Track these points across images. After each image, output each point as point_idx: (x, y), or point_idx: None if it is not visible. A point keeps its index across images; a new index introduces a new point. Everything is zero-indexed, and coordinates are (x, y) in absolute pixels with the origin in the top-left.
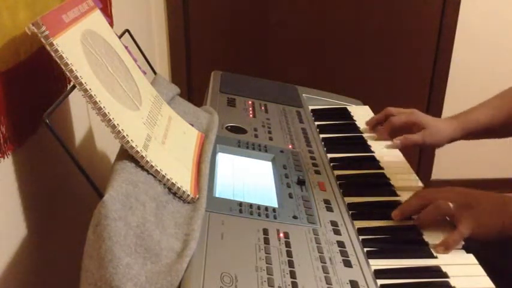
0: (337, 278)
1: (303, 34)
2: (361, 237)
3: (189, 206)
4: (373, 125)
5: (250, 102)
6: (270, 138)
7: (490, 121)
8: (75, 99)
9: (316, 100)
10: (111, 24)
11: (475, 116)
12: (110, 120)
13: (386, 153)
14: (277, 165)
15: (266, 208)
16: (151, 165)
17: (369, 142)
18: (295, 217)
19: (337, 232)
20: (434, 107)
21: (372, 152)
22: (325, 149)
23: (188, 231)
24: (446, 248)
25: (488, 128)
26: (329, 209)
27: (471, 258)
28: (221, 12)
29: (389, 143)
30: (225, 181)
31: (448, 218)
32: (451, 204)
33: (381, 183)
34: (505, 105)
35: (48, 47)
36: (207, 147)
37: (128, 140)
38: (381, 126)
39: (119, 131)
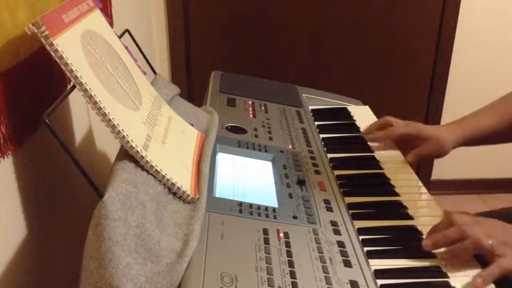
0: (337, 278)
1: (303, 34)
2: (361, 237)
3: (189, 206)
4: (368, 132)
5: (250, 102)
6: (270, 138)
7: (494, 126)
8: (75, 99)
9: (316, 100)
10: (111, 24)
11: (478, 122)
12: (110, 120)
13: (386, 153)
14: (277, 165)
15: (266, 208)
16: (151, 165)
17: (369, 142)
18: (295, 217)
19: (337, 232)
20: (434, 107)
21: (372, 152)
22: (325, 149)
23: (188, 231)
24: (484, 281)
25: (493, 133)
26: (329, 209)
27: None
28: (221, 12)
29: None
30: (225, 181)
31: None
32: (490, 241)
33: (381, 183)
34: (509, 109)
35: (48, 47)
36: (207, 147)
37: (128, 140)
38: (378, 133)
39: (119, 131)
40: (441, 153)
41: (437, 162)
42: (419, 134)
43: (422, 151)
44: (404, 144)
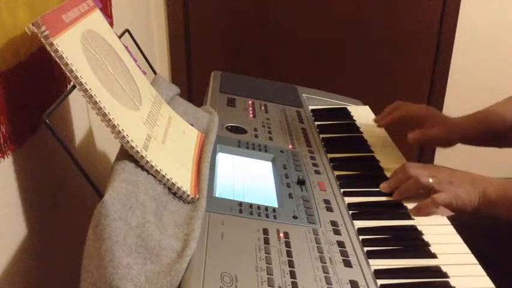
0: (337, 278)
1: (303, 34)
2: (361, 237)
3: (189, 206)
4: (382, 119)
5: (250, 102)
6: (270, 138)
7: (505, 125)
8: (75, 99)
9: (316, 100)
10: (111, 24)
11: (490, 117)
12: (110, 120)
13: (387, 153)
14: (277, 165)
15: (266, 208)
16: (151, 165)
17: (369, 142)
18: (295, 217)
19: (337, 232)
20: (434, 107)
21: (372, 152)
22: (325, 149)
23: (188, 231)
24: (418, 210)
25: (504, 132)
26: (329, 209)
27: (471, 258)
28: (221, 12)
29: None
30: (225, 181)
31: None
32: (431, 180)
33: (381, 183)
34: None
35: (48, 47)
36: (207, 147)
37: (128, 140)
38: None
39: (119, 131)
40: (446, 140)
41: (437, 162)
42: (430, 116)
43: (429, 132)
44: (415, 126)
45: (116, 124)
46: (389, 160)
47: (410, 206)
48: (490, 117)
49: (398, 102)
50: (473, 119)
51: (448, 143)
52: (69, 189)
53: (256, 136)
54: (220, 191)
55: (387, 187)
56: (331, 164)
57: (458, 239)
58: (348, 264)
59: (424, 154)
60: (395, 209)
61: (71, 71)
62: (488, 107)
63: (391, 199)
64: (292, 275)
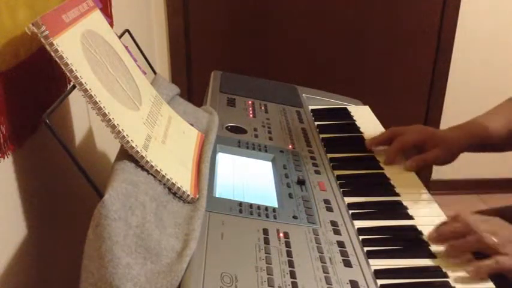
0: (337, 278)
1: (303, 34)
2: (361, 237)
3: (189, 206)
4: (375, 145)
5: (250, 102)
6: (270, 138)
7: (502, 131)
8: (75, 99)
9: (316, 100)
10: (111, 24)
11: (486, 126)
12: (110, 120)
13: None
14: (277, 165)
15: (266, 208)
16: (151, 165)
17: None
18: (295, 217)
19: (337, 232)
20: (434, 107)
21: (372, 152)
22: (325, 149)
23: (188, 231)
24: (477, 273)
25: (501, 138)
26: (329, 209)
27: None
28: (221, 12)
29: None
30: (225, 181)
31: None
32: (494, 239)
33: (381, 183)
34: None
35: (48, 47)
36: (207, 147)
37: (128, 140)
38: (388, 147)
39: (119, 131)
40: (449, 160)
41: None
42: (429, 139)
43: (427, 157)
44: (416, 151)
45: (116, 124)
46: None
47: (410, 205)
48: (481, 133)
49: (392, 129)
50: (468, 132)
51: (449, 161)
52: (69, 189)
53: (256, 136)
54: (220, 191)
55: (436, 236)
56: (331, 164)
57: None
58: (348, 264)
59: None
60: (395, 209)
61: (71, 71)
62: (478, 119)
63: (391, 199)
64: (292, 275)
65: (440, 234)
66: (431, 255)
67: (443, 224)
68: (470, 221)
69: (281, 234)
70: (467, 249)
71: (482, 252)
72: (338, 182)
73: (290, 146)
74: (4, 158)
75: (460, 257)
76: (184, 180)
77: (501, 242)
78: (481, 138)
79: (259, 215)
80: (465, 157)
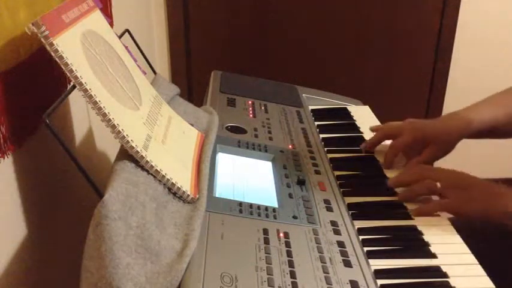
0: (337, 278)
1: (303, 34)
2: (361, 237)
3: (189, 206)
4: (371, 147)
5: (250, 102)
6: (270, 138)
7: (494, 120)
8: (75, 99)
9: (316, 100)
10: (111, 24)
11: (479, 115)
12: (110, 120)
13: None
14: (277, 165)
15: (266, 208)
16: (151, 165)
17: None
18: (295, 217)
19: (337, 232)
20: (434, 107)
21: (372, 152)
22: (325, 149)
23: (188, 231)
24: (419, 212)
25: (493, 127)
26: (329, 209)
27: (471, 258)
28: (221, 12)
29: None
30: (225, 181)
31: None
32: (438, 184)
33: (381, 183)
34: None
35: (48, 47)
36: (207, 147)
37: (128, 140)
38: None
39: (119, 131)
40: (448, 151)
41: (437, 162)
42: (422, 140)
43: (425, 159)
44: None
45: (116, 124)
46: None
47: (409, 205)
48: (479, 116)
49: (383, 130)
50: (463, 119)
51: (448, 151)
52: (69, 189)
53: (256, 136)
54: (220, 191)
55: (394, 182)
56: (331, 164)
57: (458, 239)
58: (348, 264)
59: None
60: (395, 209)
61: (71, 71)
62: (473, 106)
63: (391, 199)
64: (292, 275)
65: (398, 180)
66: (431, 255)
67: (402, 173)
68: (424, 169)
69: (281, 234)
70: (416, 194)
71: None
72: (338, 182)
73: (290, 146)
74: (4, 158)
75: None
76: (184, 180)
77: (446, 186)
78: (477, 126)
79: (259, 215)
80: (465, 157)
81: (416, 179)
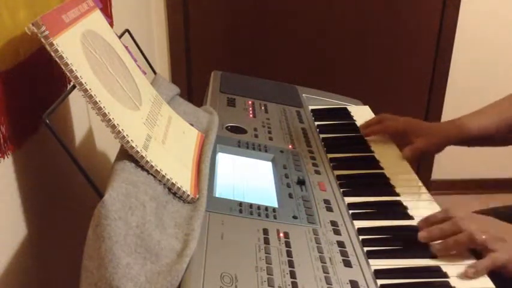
0: (337, 278)
1: (302, 34)
2: (361, 237)
3: (189, 206)
4: (366, 129)
5: (250, 102)
6: (270, 138)
7: (491, 127)
8: (75, 99)
9: (316, 100)
10: (111, 24)
11: (476, 121)
12: (110, 120)
13: (387, 153)
14: (277, 165)
15: (266, 208)
16: (151, 165)
17: (369, 142)
18: (295, 217)
19: (337, 232)
20: (434, 107)
21: (372, 152)
22: (325, 149)
23: (188, 231)
24: (475, 272)
25: (489, 134)
26: (329, 209)
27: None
28: (221, 12)
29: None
30: (225, 181)
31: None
32: (484, 236)
33: (381, 183)
34: (508, 112)
35: (48, 47)
36: (207, 147)
37: (128, 140)
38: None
39: (119, 131)
40: (434, 148)
41: (437, 162)
42: (414, 129)
43: (417, 146)
44: (401, 140)
45: (116, 124)
46: (389, 160)
47: (410, 205)
48: (471, 123)
49: (383, 114)
50: (455, 124)
51: (437, 149)
52: (69, 189)
53: (256, 136)
54: (220, 191)
55: (427, 237)
56: (331, 164)
57: None
58: (348, 264)
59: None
60: (395, 209)
61: (71, 71)
62: (463, 119)
63: (391, 199)
64: (292, 275)
65: (430, 234)
66: (431, 255)
67: (430, 219)
68: (459, 218)
69: (281, 234)
70: (459, 247)
71: (474, 249)
72: (338, 182)
73: (290, 146)
74: (4, 158)
75: (451, 252)
76: (184, 180)
77: (490, 239)
78: (468, 132)
79: (259, 215)
80: (465, 157)
81: (455, 231)
